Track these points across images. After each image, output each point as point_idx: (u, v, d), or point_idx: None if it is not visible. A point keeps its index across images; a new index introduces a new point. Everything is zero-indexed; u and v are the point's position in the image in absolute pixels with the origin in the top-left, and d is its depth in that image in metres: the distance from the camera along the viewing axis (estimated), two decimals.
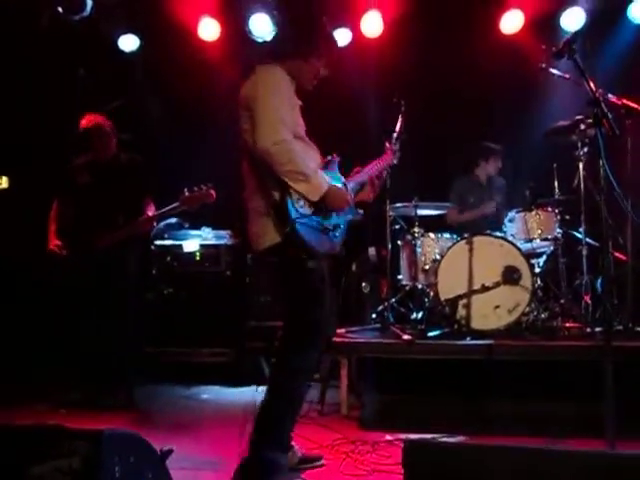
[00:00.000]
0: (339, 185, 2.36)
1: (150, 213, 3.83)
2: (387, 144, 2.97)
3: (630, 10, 4.86)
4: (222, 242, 4.85)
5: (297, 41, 2.49)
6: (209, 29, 5.19)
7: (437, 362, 3.51)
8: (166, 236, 4.89)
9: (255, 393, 4.16)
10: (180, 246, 4.84)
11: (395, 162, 2.91)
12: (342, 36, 5.16)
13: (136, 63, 5.42)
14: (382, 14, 5.04)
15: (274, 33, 5.16)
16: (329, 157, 2.56)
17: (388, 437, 3.03)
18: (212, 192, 3.65)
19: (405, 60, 5.03)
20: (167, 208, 3.77)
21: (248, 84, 2.41)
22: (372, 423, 3.33)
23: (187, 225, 4.96)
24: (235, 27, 5.25)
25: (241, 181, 5.17)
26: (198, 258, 4.84)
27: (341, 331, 3.86)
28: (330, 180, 2.38)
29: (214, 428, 3.45)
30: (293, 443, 2.64)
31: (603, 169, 2.05)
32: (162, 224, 4.83)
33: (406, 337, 3.50)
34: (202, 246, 4.84)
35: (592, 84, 2.36)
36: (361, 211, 2.61)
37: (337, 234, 2.41)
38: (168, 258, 4.85)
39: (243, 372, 4.57)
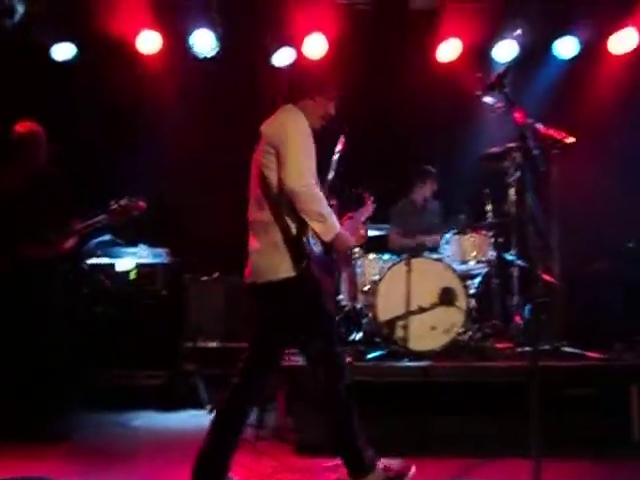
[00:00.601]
0: (344, 230, 2.50)
1: (75, 227, 3.64)
2: (366, 196, 3.15)
3: (555, 46, 5.16)
4: (159, 260, 4.71)
5: (306, 82, 2.61)
6: (149, 42, 5.07)
7: (376, 383, 3.52)
8: (99, 254, 4.70)
9: (189, 418, 4.07)
10: (113, 265, 4.66)
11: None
12: (285, 55, 5.19)
13: (71, 72, 5.22)
14: (326, 36, 5.09)
15: (217, 50, 5.13)
16: (331, 202, 2.68)
17: (326, 464, 2.98)
18: (141, 203, 3.52)
19: (346, 82, 5.09)
20: (92, 220, 3.60)
21: (275, 124, 2.55)
22: (310, 447, 3.29)
23: (122, 242, 4.79)
24: (176, 41, 5.17)
25: (181, 196, 5.22)
26: (133, 277, 4.67)
27: None
28: None
29: (147, 459, 3.29)
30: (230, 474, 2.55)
31: (530, 200, 2.14)
32: (94, 241, 4.65)
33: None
34: (137, 264, 4.68)
35: (520, 116, 2.45)
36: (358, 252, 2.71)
37: (336, 274, 2.61)
38: (101, 277, 4.66)
39: (178, 395, 4.43)
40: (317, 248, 2.45)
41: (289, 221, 2.45)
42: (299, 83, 2.62)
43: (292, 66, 2.65)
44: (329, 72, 2.72)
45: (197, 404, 4.31)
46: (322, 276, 2.46)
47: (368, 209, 3.22)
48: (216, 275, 4.88)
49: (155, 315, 4.64)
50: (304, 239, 2.39)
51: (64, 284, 3.85)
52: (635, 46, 5.05)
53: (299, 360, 3.63)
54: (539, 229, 2.28)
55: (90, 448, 3.49)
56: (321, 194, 2.44)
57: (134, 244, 4.75)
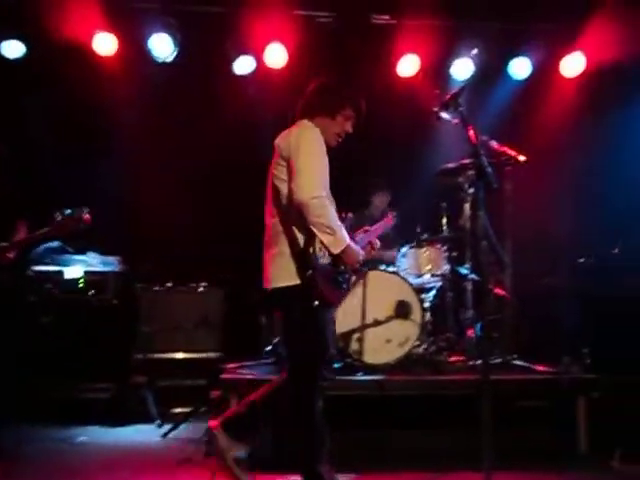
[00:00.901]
0: (353, 244, 2.52)
1: (17, 238, 3.47)
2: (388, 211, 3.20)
3: (510, 66, 5.31)
4: (109, 269, 4.56)
5: (326, 99, 2.62)
6: (105, 43, 4.95)
7: (330, 397, 3.47)
8: (47, 261, 4.51)
9: (137, 433, 3.92)
10: (61, 272, 4.47)
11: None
12: (246, 64, 5.16)
13: (21, 70, 5.03)
14: (286, 47, 5.09)
15: (175, 55, 5.05)
16: (343, 215, 2.72)
17: None
18: (87, 216, 3.38)
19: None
20: (36, 233, 3.44)
21: (289, 137, 2.56)
22: (262, 464, 3.21)
23: (71, 250, 4.61)
24: (134, 44, 5.06)
25: (136, 203, 5.07)
26: (82, 285, 4.50)
27: (232, 366, 3.73)
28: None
29: (93, 477, 3.14)
30: None
31: (483, 217, 2.17)
32: (42, 247, 4.46)
33: None
34: (87, 272, 4.51)
35: (474, 135, 2.49)
36: (365, 268, 2.78)
37: (344, 287, 2.59)
38: (48, 285, 4.47)
39: (127, 409, 4.28)
40: (325, 260, 2.47)
41: (297, 231, 2.47)
42: (320, 100, 2.64)
43: (314, 83, 2.69)
44: (351, 92, 2.70)
45: (146, 418, 4.17)
46: (328, 288, 2.46)
47: (387, 223, 3.37)
48: (169, 285, 4.76)
49: (105, 325, 4.49)
50: (311, 250, 2.41)
51: (5, 292, 3.65)
52: (583, 70, 5.25)
53: (246, 373, 3.58)
54: (492, 245, 2.30)
55: (33, 465, 3.32)
56: (331, 207, 2.47)
57: (84, 252, 4.58)
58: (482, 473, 2.26)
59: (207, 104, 5.05)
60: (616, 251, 4.46)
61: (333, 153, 5.04)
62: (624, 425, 3.49)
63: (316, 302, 2.41)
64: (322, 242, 2.41)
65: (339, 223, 2.47)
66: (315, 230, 2.40)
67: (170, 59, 5.08)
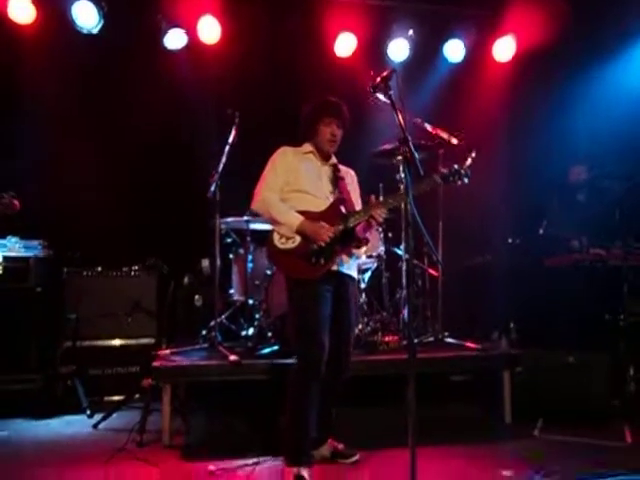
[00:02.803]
0: (313, 221, 2.87)
1: None
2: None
3: (445, 49, 5.37)
4: (32, 254, 4.30)
5: (301, 127, 3.12)
6: (22, 11, 4.61)
7: (266, 381, 3.47)
8: None
9: (66, 425, 3.78)
10: None
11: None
12: (177, 38, 4.94)
13: None
14: (219, 21, 4.91)
15: (100, 25, 4.76)
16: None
17: (211, 468, 2.90)
18: (15, 202, 3.19)
19: (242, 70, 4.96)
20: None
21: None
22: (196, 451, 3.18)
23: None
24: (55, 13, 4.73)
25: (60, 185, 4.79)
26: (0, 272, 4.22)
27: (165, 353, 3.64)
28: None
29: (19, 472, 2.99)
30: None
31: (410, 205, 2.20)
32: None
33: (233, 358, 3.40)
34: (6, 258, 4.23)
35: (403, 119, 2.49)
36: (363, 239, 2.97)
37: (322, 261, 2.83)
38: None
39: (55, 400, 4.10)
40: (292, 243, 2.87)
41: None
42: (300, 128, 3.12)
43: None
44: (316, 108, 3.06)
45: (76, 409, 4.01)
46: (291, 265, 2.87)
47: None
48: (99, 269, 4.57)
49: (28, 313, 4.24)
50: (271, 238, 2.92)
51: None
52: (514, 54, 5.39)
53: (178, 360, 3.52)
54: (421, 231, 2.34)
55: None
56: (273, 201, 2.93)
57: (3, 236, 4.29)
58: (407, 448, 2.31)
59: (135, 80, 4.81)
60: (541, 232, 4.67)
61: (269, 130, 5.00)
62: (546, 398, 3.70)
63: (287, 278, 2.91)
64: (278, 232, 2.89)
65: (284, 209, 2.90)
66: (271, 223, 2.97)
67: (95, 30, 4.79)
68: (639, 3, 5.15)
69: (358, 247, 3.01)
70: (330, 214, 2.92)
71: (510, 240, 4.87)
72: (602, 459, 3.09)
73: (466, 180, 2.80)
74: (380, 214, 2.83)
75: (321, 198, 2.98)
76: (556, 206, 4.88)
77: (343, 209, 2.95)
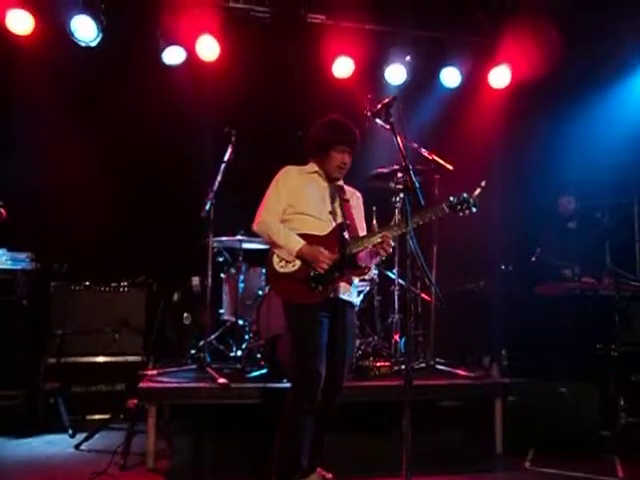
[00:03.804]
0: (313, 246, 2.83)
1: None
2: None
3: (441, 75, 5.42)
4: (19, 267, 4.22)
5: (310, 145, 3.04)
6: (20, 21, 4.59)
7: (255, 405, 3.40)
8: None
9: (47, 445, 3.67)
10: None
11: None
12: (176, 54, 4.94)
13: None
14: (218, 40, 4.92)
15: (99, 39, 4.75)
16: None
17: None
18: (2, 211, 3.13)
19: (240, 89, 4.97)
20: None
21: None
22: (180, 476, 3.09)
23: None
24: (54, 24, 4.71)
25: (51, 197, 4.72)
26: None
27: (152, 373, 3.56)
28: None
29: None
30: None
31: (409, 235, 2.18)
32: None
33: (222, 381, 3.34)
34: None
35: (403, 147, 2.49)
36: (365, 267, 2.92)
37: (320, 287, 2.80)
38: None
39: (36, 418, 3.99)
40: (292, 267, 2.83)
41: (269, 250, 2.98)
42: (309, 146, 3.04)
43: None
44: (334, 134, 2.96)
45: (58, 427, 3.91)
46: (289, 289, 2.83)
47: None
48: (87, 284, 4.49)
49: (13, 327, 4.15)
50: (271, 261, 2.88)
51: None
52: (509, 82, 5.46)
53: (165, 381, 3.44)
54: (419, 261, 2.31)
55: None
56: (274, 224, 2.90)
57: None
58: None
59: (133, 94, 4.79)
60: (533, 259, 4.68)
61: (265, 149, 4.96)
62: (537, 427, 3.66)
63: (285, 301, 2.87)
64: (278, 255, 2.87)
65: (284, 233, 2.86)
66: (271, 247, 2.92)
67: (94, 44, 4.78)
68: (633, 34, 5.26)
69: (359, 275, 2.97)
70: (332, 239, 2.87)
71: (503, 267, 4.87)
72: None
73: (474, 210, 2.73)
74: (390, 245, 2.74)
75: (324, 221, 2.93)
76: (548, 234, 4.91)
77: (346, 234, 2.90)
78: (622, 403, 4.07)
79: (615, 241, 4.99)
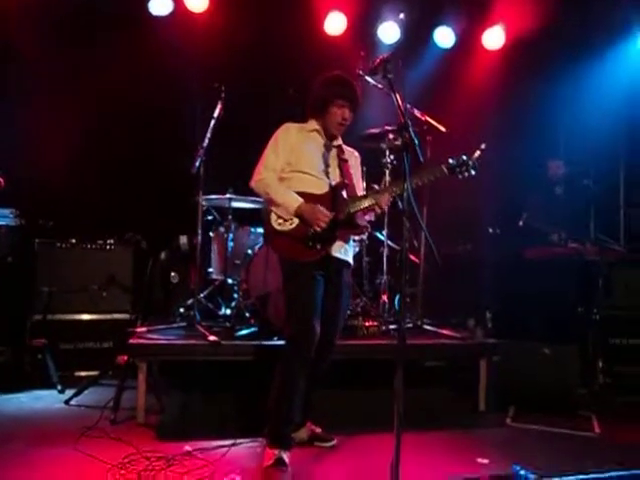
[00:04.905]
0: (311, 204, 2.81)
1: None
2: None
3: (435, 34, 5.32)
4: (3, 222, 4.14)
5: (310, 103, 2.98)
6: None
7: (245, 362, 3.43)
8: None
9: (35, 400, 3.68)
10: None
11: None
12: (162, 5, 4.76)
13: None
14: None
15: None
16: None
17: (187, 448, 2.86)
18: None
19: (229, 43, 4.82)
20: None
21: None
22: (171, 431, 3.13)
23: None
24: None
25: (38, 150, 4.58)
26: None
27: (142, 330, 3.56)
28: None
29: None
30: None
31: (406, 192, 2.16)
32: None
33: (212, 338, 3.35)
34: None
35: (401, 103, 2.45)
36: (363, 226, 2.96)
37: (318, 246, 2.80)
38: None
39: (24, 374, 3.98)
40: (289, 225, 2.81)
41: (265, 207, 2.98)
42: (311, 102, 2.98)
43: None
44: (333, 87, 2.91)
45: (46, 383, 3.91)
46: (286, 247, 2.82)
47: None
48: (73, 241, 4.42)
49: None
50: (268, 219, 2.85)
51: None
52: (503, 43, 5.37)
53: (155, 338, 3.45)
54: (415, 217, 2.31)
55: None
56: (272, 182, 2.86)
57: None
58: (392, 434, 2.32)
59: (118, 46, 4.61)
60: (521, 223, 4.72)
61: (255, 107, 4.86)
62: (518, 386, 3.77)
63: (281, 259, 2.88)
64: (275, 213, 2.84)
65: (282, 191, 2.83)
66: (268, 204, 2.89)
67: None
68: None
69: (357, 234, 2.97)
70: (330, 198, 2.85)
71: (490, 230, 4.91)
72: (571, 448, 3.17)
73: (473, 172, 2.73)
74: (386, 202, 2.78)
75: (323, 180, 2.91)
76: (536, 199, 4.94)
77: (344, 194, 2.89)
78: (600, 364, 4.21)
79: (601, 207, 5.06)
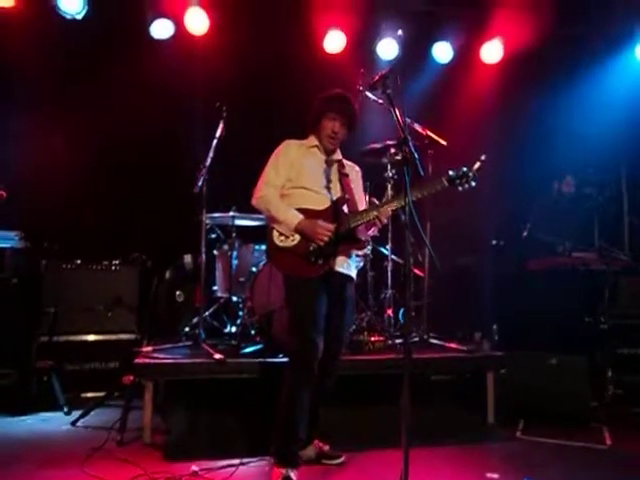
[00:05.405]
0: (312, 220, 2.83)
1: None
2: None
3: (433, 50, 5.37)
4: (8, 245, 4.16)
5: (308, 119, 3.04)
6: None
7: (251, 380, 3.42)
8: None
9: (42, 422, 3.67)
10: None
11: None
12: (164, 28, 4.84)
13: None
14: (207, 13, 4.82)
15: (84, 11, 4.62)
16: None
17: (194, 468, 2.84)
18: (2, 192, 3.09)
19: (230, 64, 4.88)
20: None
21: None
22: (178, 451, 3.11)
23: None
24: None
25: (41, 175, 4.63)
26: None
27: (147, 350, 3.56)
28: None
29: None
30: None
31: (408, 206, 2.17)
32: None
33: (218, 356, 3.34)
34: None
35: (401, 118, 2.47)
36: (364, 240, 2.98)
37: (320, 261, 2.81)
38: None
39: (30, 396, 3.98)
40: (291, 241, 2.83)
41: (268, 225, 2.97)
42: (308, 119, 3.03)
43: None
44: (323, 101, 2.98)
45: (52, 405, 3.90)
46: (288, 263, 2.84)
47: None
48: (78, 262, 4.45)
49: (3, 306, 4.11)
50: (271, 236, 2.87)
51: None
52: (501, 57, 5.42)
53: (161, 357, 3.44)
54: (417, 231, 2.32)
55: None
56: (273, 199, 2.88)
57: None
58: (401, 450, 2.30)
59: (120, 70, 4.69)
60: (525, 234, 4.71)
61: (256, 126, 4.91)
62: (527, 399, 3.73)
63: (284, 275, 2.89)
64: (277, 230, 2.86)
65: (284, 208, 2.85)
66: (269, 221, 2.91)
67: (80, 16, 4.65)
68: (624, 8, 5.24)
69: (359, 248, 2.98)
70: (331, 213, 2.87)
71: (494, 242, 4.90)
72: (583, 461, 3.13)
73: (473, 184, 2.74)
74: (387, 216, 2.79)
75: (324, 195, 2.92)
76: (539, 210, 4.94)
77: (345, 208, 2.91)
78: (610, 375, 4.17)
79: (604, 216, 5.05)
